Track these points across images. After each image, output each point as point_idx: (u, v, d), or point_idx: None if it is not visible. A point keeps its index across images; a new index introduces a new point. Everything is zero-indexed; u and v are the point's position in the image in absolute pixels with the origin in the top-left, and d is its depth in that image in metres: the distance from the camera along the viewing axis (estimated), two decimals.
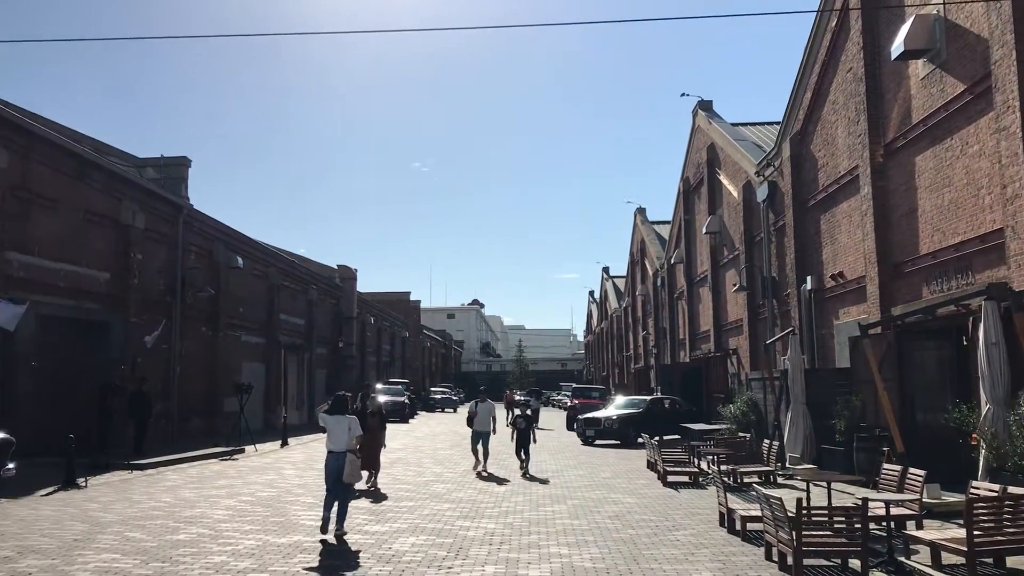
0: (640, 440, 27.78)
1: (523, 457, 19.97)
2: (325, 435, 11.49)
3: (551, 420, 48.96)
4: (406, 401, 47.13)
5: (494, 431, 20.28)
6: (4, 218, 19.64)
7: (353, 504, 12.73)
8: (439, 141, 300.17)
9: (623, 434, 30.12)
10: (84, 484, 16.16)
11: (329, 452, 11.30)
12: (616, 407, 33.66)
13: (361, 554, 10.10)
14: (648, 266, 58.06)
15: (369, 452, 16.27)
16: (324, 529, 10.93)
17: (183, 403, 27.91)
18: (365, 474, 16.05)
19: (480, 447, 20.10)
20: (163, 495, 15.31)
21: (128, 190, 24.94)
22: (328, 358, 49.09)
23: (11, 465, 14.40)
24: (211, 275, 30.43)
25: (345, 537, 11.10)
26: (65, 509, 13.41)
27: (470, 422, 20.56)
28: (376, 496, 15.39)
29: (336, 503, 11.21)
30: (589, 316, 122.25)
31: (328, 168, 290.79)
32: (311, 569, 9.23)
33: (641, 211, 64.21)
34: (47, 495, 15.01)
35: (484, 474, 18.95)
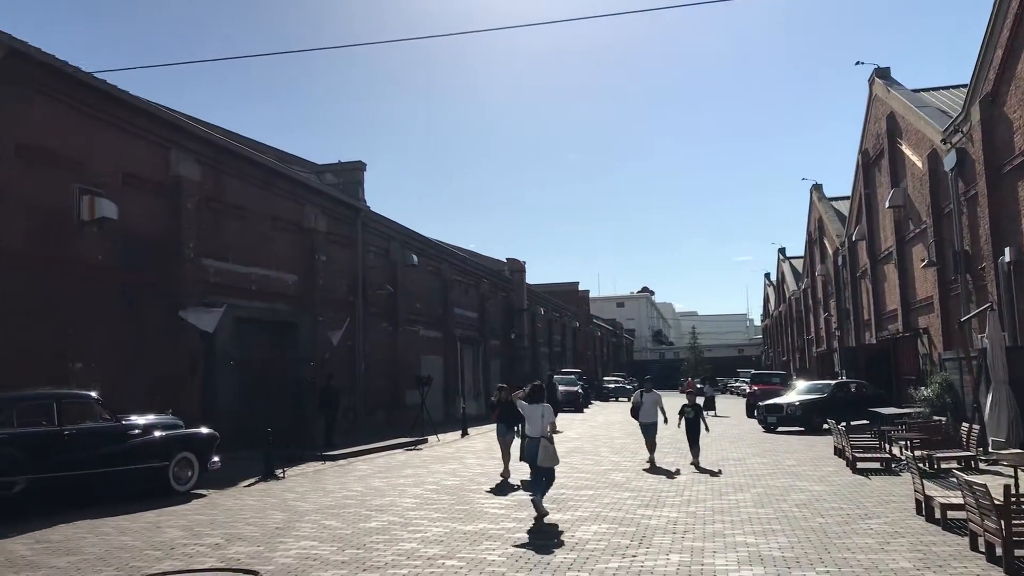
0: (825, 426, 26.62)
1: (696, 447, 19.03)
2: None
3: (729, 407, 47.85)
4: (580, 391, 47.28)
5: (666, 421, 19.10)
6: (200, 227, 21.10)
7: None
8: (591, 132, 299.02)
9: (807, 420, 28.99)
10: (282, 475, 17.12)
11: (526, 438, 12.11)
12: (798, 392, 32.45)
13: (543, 542, 10.16)
14: (827, 245, 55.59)
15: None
16: (538, 509, 11.52)
17: (368, 397, 29.13)
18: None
19: (648, 439, 19.09)
20: (354, 484, 16.01)
21: (310, 196, 26.24)
22: (501, 350, 49.97)
23: (216, 458, 15.52)
24: (388, 273, 31.58)
25: (547, 519, 11.56)
26: (266, 499, 14.24)
27: (635, 413, 19.51)
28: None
29: (541, 484, 11.90)
30: (766, 299, 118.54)
31: (489, 164, 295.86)
32: (520, 546, 9.39)
33: (817, 188, 61.54)
34: (249, 486, 15.99)
35: (654, 466, 18.25)
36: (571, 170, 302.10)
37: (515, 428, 16.21)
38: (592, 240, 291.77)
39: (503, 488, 15.16)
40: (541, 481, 12.00)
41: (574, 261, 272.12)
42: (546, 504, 12.04)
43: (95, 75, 17.69)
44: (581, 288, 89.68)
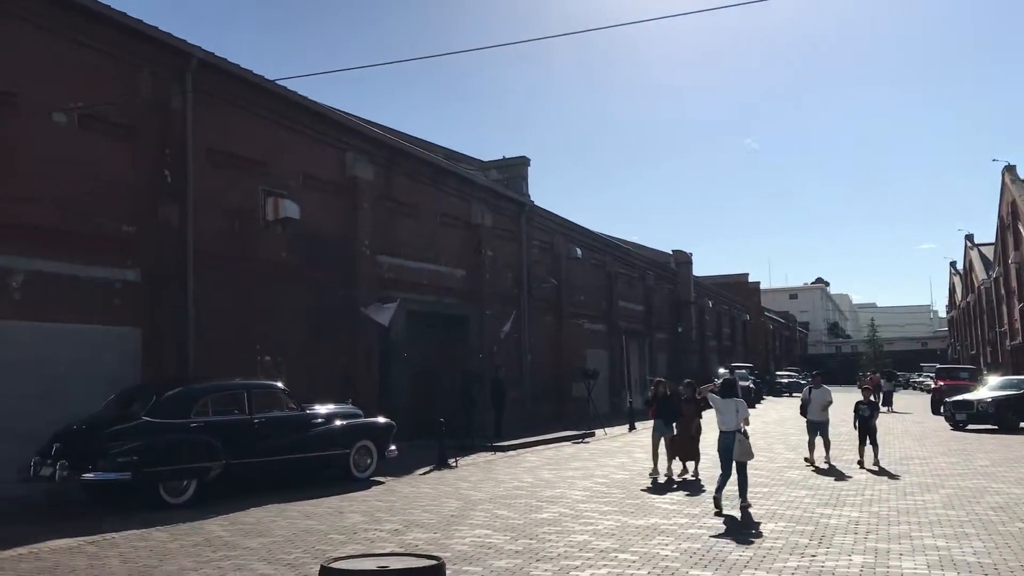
0: (1022, 425, 24.76)
1: (874, 445, 17.65)
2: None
3: (912, 404, 45.34)
4: (751, 386, 45.99)
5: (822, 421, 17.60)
6: (374, 225, 21.92)
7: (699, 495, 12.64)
8: (768, 113, 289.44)
9: (1000, 418, 27.00)
10: (455, 464, 17.54)
11: (720, 432, 11.97)
12: (990, 388, 30.27)
13: (717, 538, 9.93)
14: (1021, 230, 51.65)
15: (684, 441, 15.70)
16: (718, 505, 11.55)
17: (534, 389, 29.44)
18: (680, 466, 15.76)
19: (819, 438, 17.53)
20: (524, 475, 16.19)
21: (477, 192, 26.77)
22: (668, 343, 49.31)
23: (393, 447, 16.06)
24: (552, 267, 31.78)
25: (750, 510, 11.57)
26: (440, 487, 14.62)
27: (803, 410, 18.22)
28: (692, 488, 14.50)
29: (737, 479, 11.76)
30: (951, 290, 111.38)
31: (655, 153, 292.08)
32: (694, 541, 9.25)
33: (1010, 169, 57.16)
34: (424, 474, 16.47)
35: (824, 467, 17.20)
36: (746, 156, 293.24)
37: (672, 425, 15.77)
38: (763, 230, 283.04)
39: (671, 485, 14.87)
40: (730, 475, 11.83)
41: (743, 252, 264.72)
42: (724, 501, 11.79)
43: (276, 82, 18.64)
44: (751, 279, 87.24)
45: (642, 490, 14.31)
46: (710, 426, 14.51)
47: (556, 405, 31.22)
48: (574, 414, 30.91)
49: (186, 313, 16.50)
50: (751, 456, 11.99)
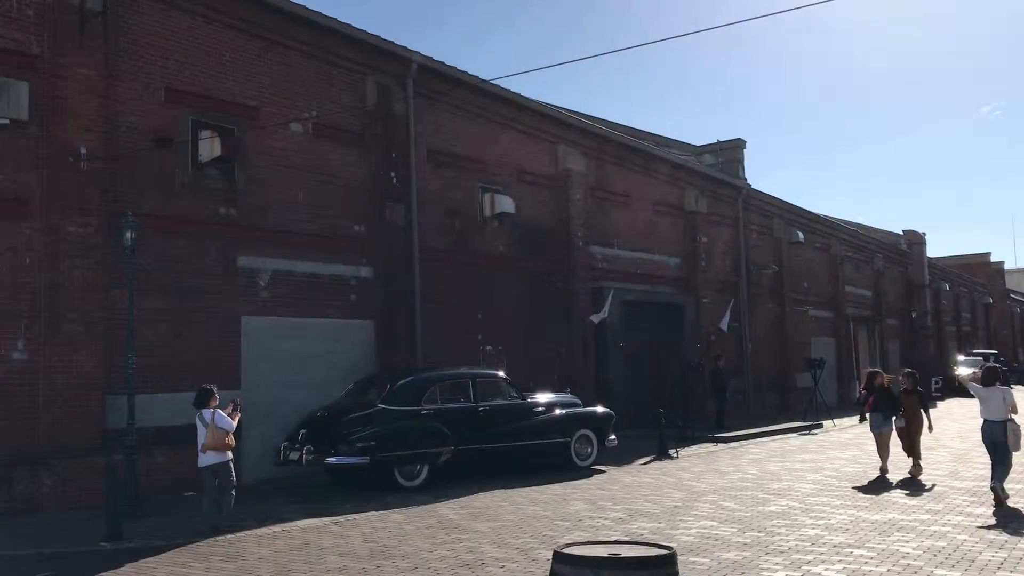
0: None
1: None
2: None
3: None
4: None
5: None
6: (587, 216, 22.07)
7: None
8: (1011, 79, 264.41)
9: None
10: (675, 455, 17.35)
11: (984, 421, 11.43)
12: None
13: (965, 536, 9.22)
14: None
15: (907, 434, 14.49)
16: (1000, 497, 11.01)
17: (756, 379, 28.58)
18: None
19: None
20: (748, 467, 15.77)
21: (690, 178, 26.32)
22: (899, 329, 46.29)
23: (613, 436, 16.11)
24: (772, 252, 30.69)
25: (1008, 502, 10.99)
26: (662, 478, 14.52)
27: None
28: (912, 486, 13.28)
29: (997, 468, 11.23)
30: None
31: (879, 130, 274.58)
32: (965, 534, 8.69)
33: None
34: (645, 464, 16.41)
35: None
36: (984, 126, 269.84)
37: (891, 419, 14.50)
38: (1005, 205, 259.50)
39: (907, 482, 13.90)
40: (1004, 465, 11.21)
41: (983, 229, 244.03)
42: (963, 497, 10.97)
43: (490, 81, 19.16)
44: (993, 259, 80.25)
45: (875, 483, 13.56)
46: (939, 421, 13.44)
47: (779, 396, 30.16)
48: (799, 405, 29.79)
49: (413, 306, 17.33)
50: (1020, 448, 11.28)
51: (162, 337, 13.63)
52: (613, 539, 8.19)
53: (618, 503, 11.93)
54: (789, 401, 29.94)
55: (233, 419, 10.89)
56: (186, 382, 13.59)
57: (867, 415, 15.15)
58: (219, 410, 10.81)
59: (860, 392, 15.17)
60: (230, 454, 10.88)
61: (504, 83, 20.23)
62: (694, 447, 19.09)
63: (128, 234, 11.63)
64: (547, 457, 15.44)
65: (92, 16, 12.96)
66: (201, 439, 10.75)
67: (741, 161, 29.76)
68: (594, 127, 22.86)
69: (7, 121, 12.16)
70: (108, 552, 9.61)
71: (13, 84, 12.21)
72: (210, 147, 14.28)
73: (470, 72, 18.96)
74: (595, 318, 20.46)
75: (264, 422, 14.69)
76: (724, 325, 24.92)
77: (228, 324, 14.59)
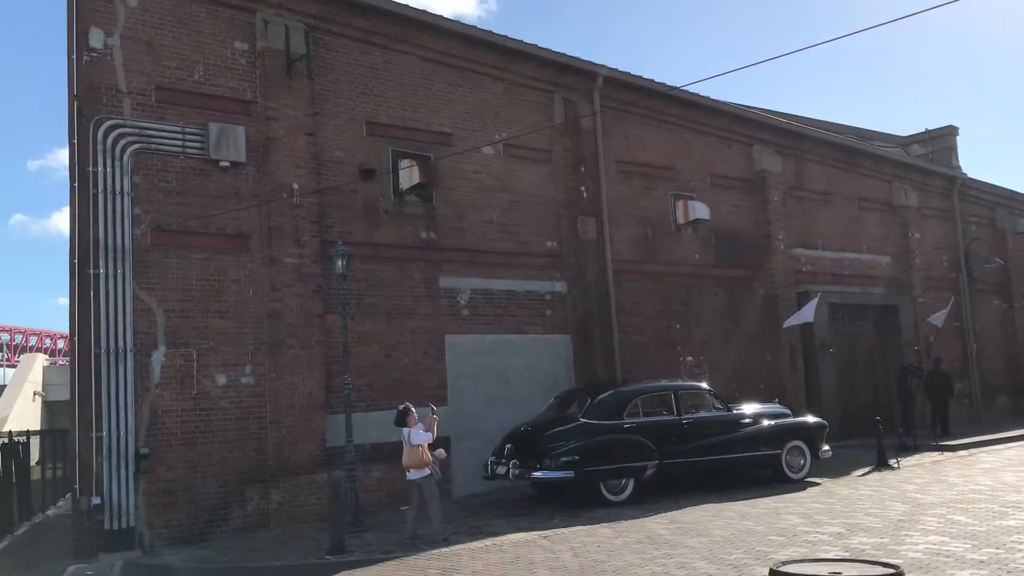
0: None
1: None
2: None
3: None
4: None
5: None
6: (786, 218, 21.23)
7: None
8: None
9: None
10: (896, 465, 16.29)
11: None
12: None
13: None
14: None
15: None
16: None
17: (984, 381, 26.41)
18: None
19: None
20: (980, 478, 14.54)
21: (897, 171, 24.78)
22: None
23: (826, 447, 15.36)
24: (995, 244, 28.26)
25: None
26: (882, 490, 13.65)
27: None
28: None
29: None
30: None
31: None
32: None
33: None
34: (862, 476, 15.50)
35: None
36: None
37: None
38: None
39: None
40: None
41: None
42: None
43: (676, 88, 18.88)
44: None
45: None
46: None
47: (1011, 399, 27.69)
48: None
49: (610, 319, 17.29)
50: None
51: (373, 358, 14.31)
52: (833, 556, 7.78)
53: (836, 517, 11.32)
54: (1023, 405, 27.48)
55: (430, 429, 11.16)
56: (397, 400, 14.13)
57: None
58: (415, 427, 11.15)
59: None
60: (427, 469, 11.13)
61: (692, 87, 19.87)
62: (916, 457, 17.83)
63: (340, 262, 12.30)
64: (756, 470, 14.93)
65: (297, 59, 13.87)
66: (404, 457, 11.18)
67: (954, 149, 27.62)
68: (790, 125, 21.99)
69: (228, 163, 13.19)
70: (332, 564, 10.14)
71: (232, 129, 13.24)
72: (409, 175, 14.89)
73: (655, 80, 18.77)
74: (793, 322, 19.56)
75: (470, 437, 15.09)
76: (938, 320, 23.12)
77: (433, 343, 15.11)
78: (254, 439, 13.02)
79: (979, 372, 26.24)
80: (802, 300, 20.39)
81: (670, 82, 19.31)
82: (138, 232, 12.36)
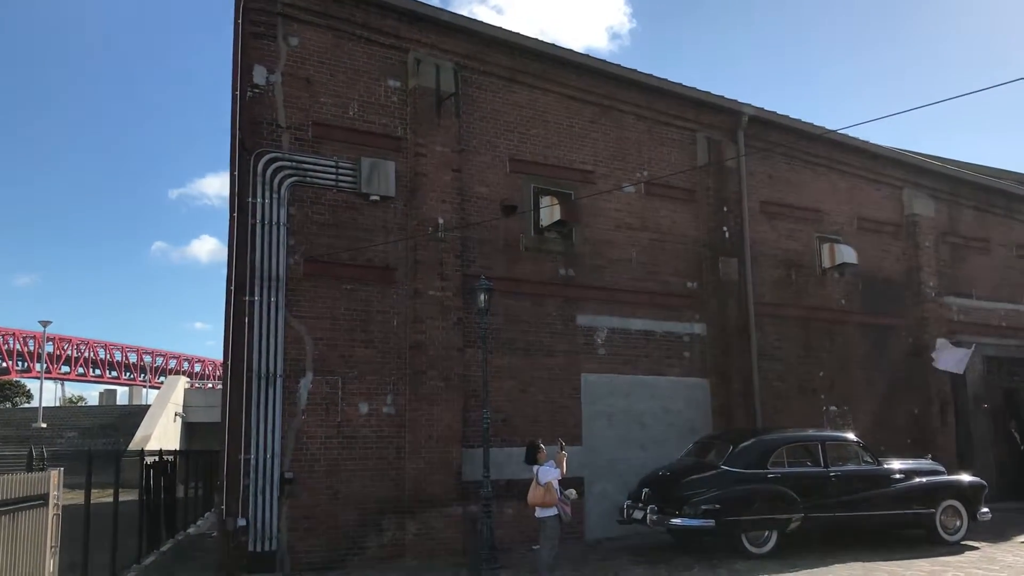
0: None
1: None
2: None
3: None
4: None
5: None
6: (939, 264, 20.22)
7: None
8: None
9: None
10: None
11: None
12: None
13: None
14: None
15: None
16: None
17: None
18: None
19: None
20: None
21: None
22: None
23: (986, 509, 14.36)
24: None
25: None
26: None
27: None
28: None
29: None
30: None
31: None
32: None
33: None
34: None
35: None
36: None
37: None
38: None
39: None
40: None
41: None
42: None
43: (827, 130, 18.33)
44: None
45: None
46: None
47: None
48: None
49: (750, 363, 16.78)
50: None
51: (509, 393, 14.28)
52: None
53: None
54: None
55: (559, 466, 10.88)
56: (533, 436, 14.11)
57: None
58: (545, 464, 10.90)
59: None
60: (555, 509, 10.81)
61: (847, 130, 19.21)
62: None
63: (482, 296, 12.36)
64: (907, 530, 14.09)
65: (446, 97, 14.16)
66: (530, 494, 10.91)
67: None
68: (944, 168, 21.00)
69: (378, 197, 13.52)
70: None
71: (382, 164, 13.59)
72: (550, 212, 14.91)
73: (801, 120, 18.29)
74: (945, 364, 18.51)
75: (603, 479, 14.84)
76: None
77: (569, 380, 14.99)
78: (393, 469, 13.15)
79: None
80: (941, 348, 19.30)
81: (810, 120, 18.70)
82: (292, 262, 12.78)
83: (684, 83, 16.91)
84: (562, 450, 11.23)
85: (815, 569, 11.78)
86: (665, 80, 16.60)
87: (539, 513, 10.98)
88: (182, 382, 43.84)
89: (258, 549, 11.84)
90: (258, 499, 11.94)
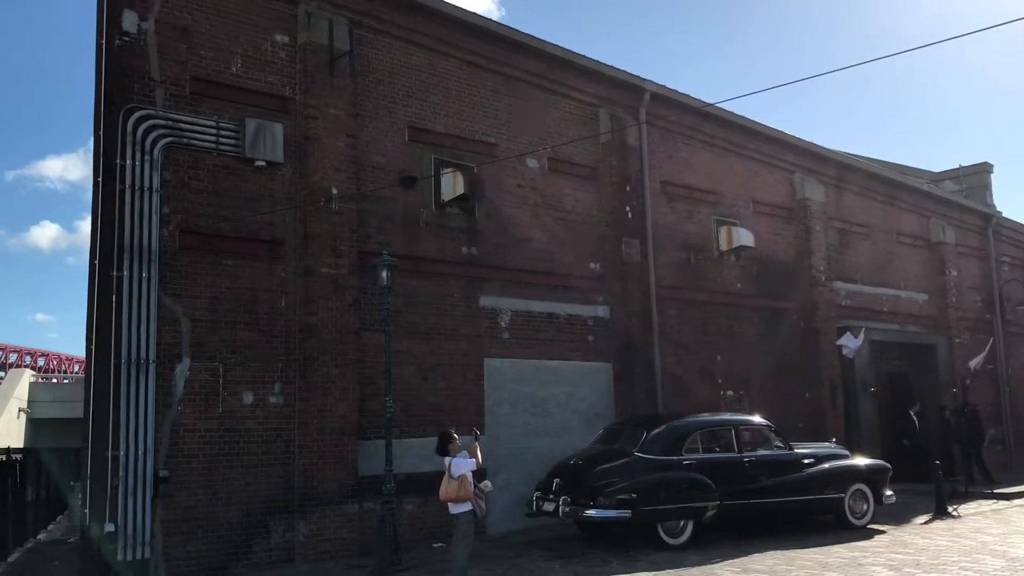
0: None
1: None
2: None
3: None
4: None
5: None
6: (827, 250, 20.32)
7: None
8: None
9: None
10: (956, 513, 15.26)
11: None
12: None
13: None
14: None
15: None
16: None
17: (1016, 427, 25.47)
18: None
19: None
20: None
21: (935, 206, 23.97)
22: None
23: (890, 492, 14.31)
24: None
25: None
26: (960, 541, 12.53)
27: None
28: None
29: None
30: None
31: None
32: None
33: None
34: (925, 523, 14.46)
35: None
36: None
37: None
38: None
39: None
40: None
41: None
42: None
43: (724, 108, 18.02)
44: None
45: None
46: None
47: None
48: None
49: (652, 347, 16.27)
50: None
51: (409, 380, 13.23)
52: None
53: (930, 571, 10.24)
54: None
55: (474, 457, 10.01)
56: (433, 427, 13.11)
57: None
58: (457, 456, 10.01)
59: None
60: (469, 504, 9.96)
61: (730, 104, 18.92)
62: (975, 504, 16.80)
63: (384, 273, 11.25)
64: (817, 514, 13.86)
65: (340, 55, 12.91)
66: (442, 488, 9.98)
67: (988, 187, 26.92)
68: (833, 153, 21.13)
69: (265, 163, 12.17)
70: None
71: (269, 126, 12.22)
72: (452, 186, 13.88)
73: (703, 100, 17.88)
74: (848, 347, 18.60)
75: (507, 470, 14.00)
76: (978, 364, 22.10)
77: (471, 366, 14.04)
78: (281, 465, 11.88)
79: (1012, 417, 25.31)
80: (842, 334, 19.44)
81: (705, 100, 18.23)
82: (166, 233, 11.31)
83: (588, 56, 16.21)
84: (477, 439, 10.29)
85: (735, 559, 11.27)
86: (568, 51, 15.82)
87: (453, 509, 9.99)
88: (27, 376, 40.38)
89: (128, 557, 10.36)
90: (128, 501, 10.44)
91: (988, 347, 22.82)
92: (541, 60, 15.62)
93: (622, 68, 16.65)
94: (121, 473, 10.43)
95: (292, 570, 11.34)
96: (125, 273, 10.79)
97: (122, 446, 10.48)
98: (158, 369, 10.95)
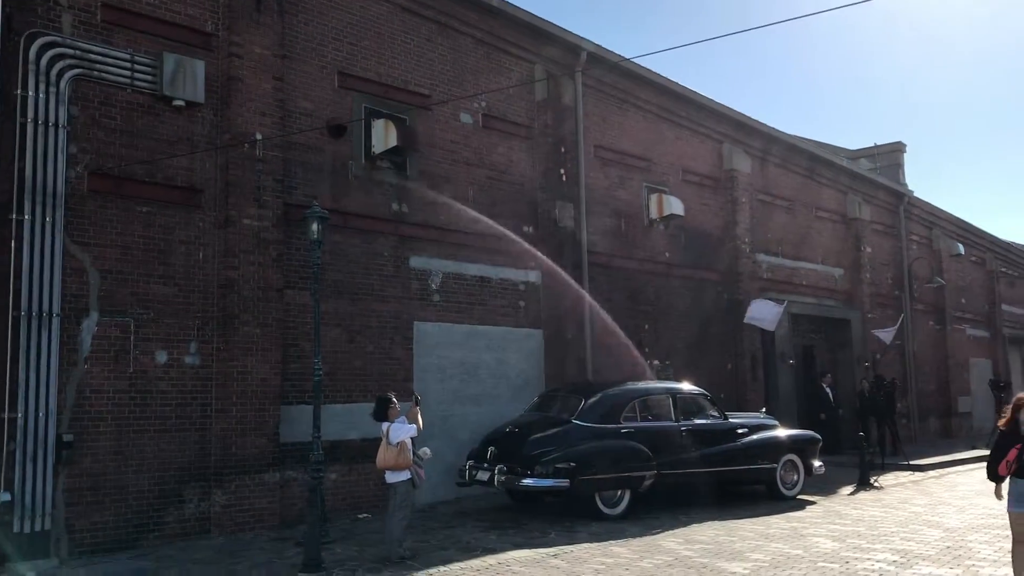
0: None
1: None
2: None
3: None
4: None
5: None
6: (752, 222, 20.29)
7: None
8: None
9: None
10: (878, 484, 15.45)
11: None
12: None
13: None
14: None
15: None
16: None
17: (919, 402, 26.25)
18: None
19: None
20: (977, 499, 13.63)
21: (852, 183, 24.30)
22: None
23: (819, 463, 14.33)
24: (932, 265, 28.27)
25: None
26: (890, 511, 12.61)
27: None
28: None
29: None
30: None
31: None
32: None
33: None
34: (852, 495, 14.56)
35: None
36: None
37: None
38: None
39: None
40: None
41: None
42: None
43: (657, 72, 17.68)
44: None
45: None
46: None
47: (940, 421, 27.67)
48: (961, 431, 27.46)
49: (583, 315, 15.85)
50: None
51: (335, 342, 12.46)
52: None
53: (874, 542, 10.15)
54: (951, 426, 27.49)
55: (414, 422, 9.53)
56: (360, 391, 12.54)
57: (1004, 479, 7.60)
58: (396, 422, 9.48)
59: (996, 430, 8.08)
60: (408, 472, 9.49)
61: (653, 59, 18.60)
62: (893, 475, 17.08)
63: (315, 226, 10.38)
64: (748, 484, 13.77)
65: None
66: (379, 456, 9.47)
67: (901, 166, 27.51)
68: (759, 124, 21.04)
69: (184, 103, 11.13)
70: None
71: (189, 63, 11.18)
72: (384, 137, 13.07)
73: (639, 64, 17.46)
74: (756, 319, 18.48)
75: (436, 437, 13.28)
76: (887, 337, 22.47)
77: (400, 329, 13.34)
78: (196, 430, 10.98)
79: (916, 393, 26.06)
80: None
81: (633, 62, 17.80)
82: (73, 174, 10.21)
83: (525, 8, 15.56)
84: (417, 404, 9.71)
85: (675, 529, 11.03)
86: (506, 2, 15.14)
87: (390, 477, 9.47)
88: None
89: (26, 529, 9.35)
90: (27, 468, 9.40)
91: (899, 322, 23.35)
92: (478, 11, 14.89)
93: (561, 25, 16.09)
94: (19, 437, 9.39)
95: (208, 542, 10.53)
96: (26, 217, 9.67)
97: (20, 407, 9.42)
98: (62, 323, 9.91)
